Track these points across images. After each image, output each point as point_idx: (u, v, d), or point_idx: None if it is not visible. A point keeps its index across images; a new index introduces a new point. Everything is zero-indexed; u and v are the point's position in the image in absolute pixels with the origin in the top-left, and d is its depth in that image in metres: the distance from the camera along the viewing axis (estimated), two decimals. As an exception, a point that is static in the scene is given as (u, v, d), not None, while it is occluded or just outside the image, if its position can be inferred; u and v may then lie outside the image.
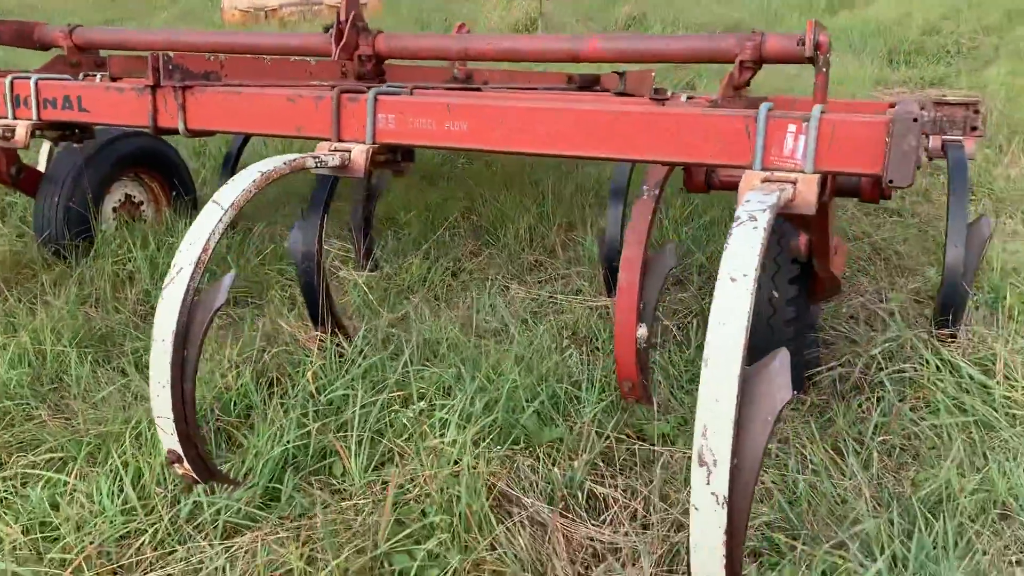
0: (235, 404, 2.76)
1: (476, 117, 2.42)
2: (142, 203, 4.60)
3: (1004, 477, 2.47)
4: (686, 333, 3.44)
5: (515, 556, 2.12)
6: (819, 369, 3.23)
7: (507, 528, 2.19)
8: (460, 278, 4.16)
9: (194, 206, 4.61)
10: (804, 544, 2.18)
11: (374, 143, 2.54)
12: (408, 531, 2.14)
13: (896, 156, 1.98)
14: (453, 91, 3.40)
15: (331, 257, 4.21)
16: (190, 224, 2.15)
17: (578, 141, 2.32)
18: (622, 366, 2.70)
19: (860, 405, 3.06)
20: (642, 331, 2.65)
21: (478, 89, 3.80)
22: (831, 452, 2.64)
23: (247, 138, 4.73)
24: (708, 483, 1.53)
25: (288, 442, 2.44)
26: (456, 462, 2.33)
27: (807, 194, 2.04)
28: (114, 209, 4.48)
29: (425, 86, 3.13)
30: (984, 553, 2.21)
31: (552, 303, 3.80)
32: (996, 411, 2.91)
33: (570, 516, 2.31)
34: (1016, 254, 4.21)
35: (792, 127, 2.10)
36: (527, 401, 2.70)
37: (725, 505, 1.52)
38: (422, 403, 2.71)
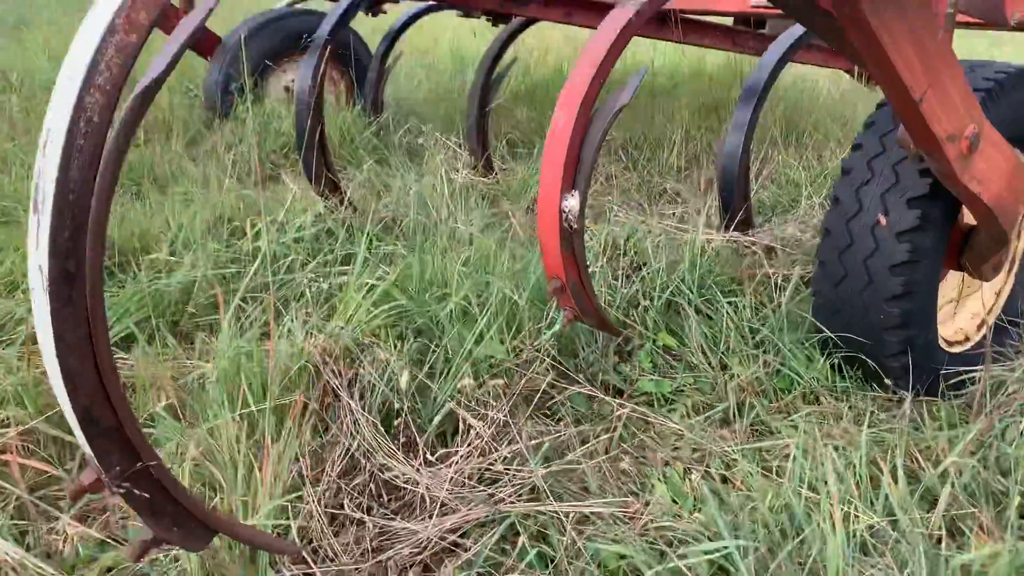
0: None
1: None
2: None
3: None
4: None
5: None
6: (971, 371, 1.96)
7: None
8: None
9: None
10: None
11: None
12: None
13: None
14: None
15: (446, 155, 3.67)
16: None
17: None
18: (547, 257, 1.80)
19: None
20: (571, 201, 1.72)
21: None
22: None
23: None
24: None
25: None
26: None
27: None
28: (286, 88, 4.42)
29: None
30: None
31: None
32: None
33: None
34: None
35: None
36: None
37: None
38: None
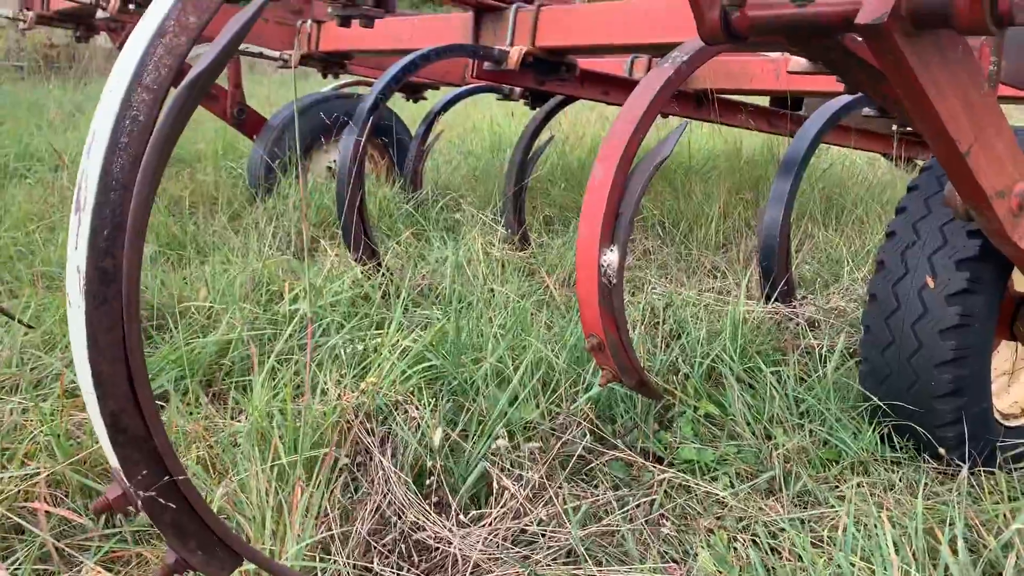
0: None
1: None
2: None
3: None
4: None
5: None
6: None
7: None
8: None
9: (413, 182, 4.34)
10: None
11: None
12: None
13: None
14: None
15: (480, 226, 3.70)
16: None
17: None
18: (584, 312, 1.77)
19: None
20: (610, 256, 1.70)
21: None
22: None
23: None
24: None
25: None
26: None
27: None
28: (328, 168, 4.52)
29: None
30: None
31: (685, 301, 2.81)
32: None
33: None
34: None
35: None
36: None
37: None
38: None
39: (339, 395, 1.86)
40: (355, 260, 2.71)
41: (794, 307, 2.68)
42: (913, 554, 1.51)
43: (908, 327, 1.90)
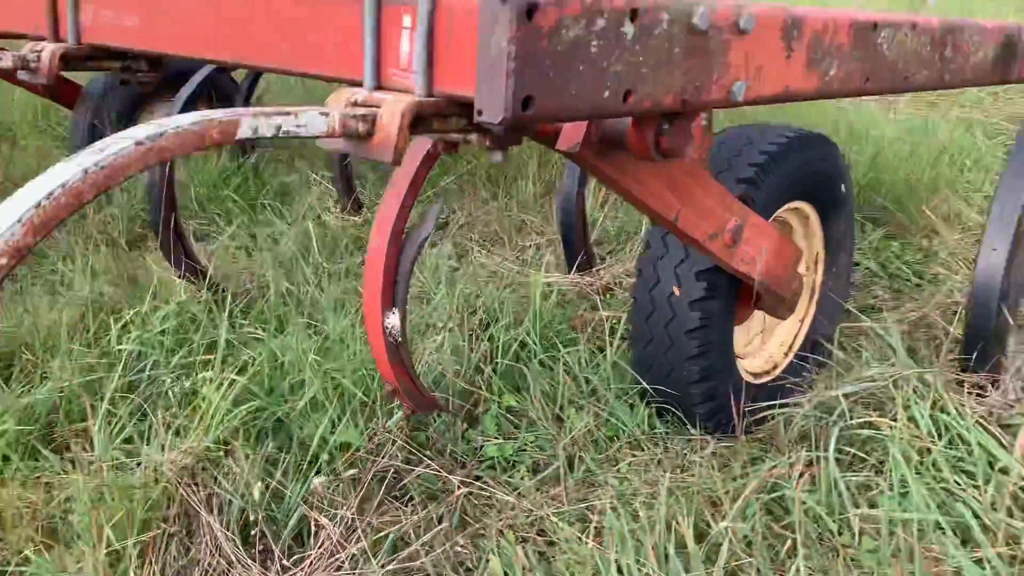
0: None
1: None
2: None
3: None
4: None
5: None
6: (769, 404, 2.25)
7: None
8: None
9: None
10: None
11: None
12: None
13: (483, 67, 1.10)
14: None
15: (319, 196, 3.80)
16: None
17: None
18: (378, 366, 2.00)
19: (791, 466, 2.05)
20: (392, 320, 1.91)
21: None
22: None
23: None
24: None
25: None
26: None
27: (387, 130, 1.23)
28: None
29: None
30: None
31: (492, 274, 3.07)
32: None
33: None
34: None
35: (407, 19, 1.27)
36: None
37: None
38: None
39: (164, 451, 2.05)
40: (179, 278, 2.82)
41: (593, 276, 2.97)
42: (653, 546, 1.88)
43: (662, 327, 2.21)
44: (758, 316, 2.56)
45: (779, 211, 2.35)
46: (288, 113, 1.17)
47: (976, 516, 1.91)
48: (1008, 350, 2.16)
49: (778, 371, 2.54)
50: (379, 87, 1.32)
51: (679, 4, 1.26)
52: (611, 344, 2.55)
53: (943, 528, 1.91)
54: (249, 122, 1.14)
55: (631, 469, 2.21)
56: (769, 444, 2.31)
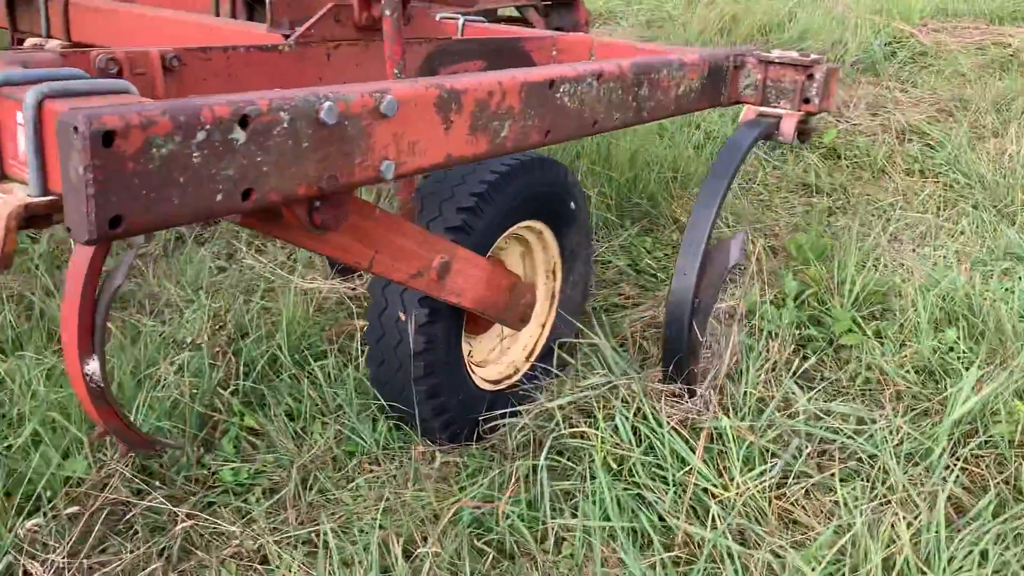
0: None
1: None
2: None
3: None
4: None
5: None
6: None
7: None
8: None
9: None
10: None
11: None
12: None
13: (67, 188, 1.10)
14: None
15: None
16: None
17: None
18: (86, 410, 1.98)
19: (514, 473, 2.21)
20: (92, 366, 1.90)
21: None
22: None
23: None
24: None
25: None
26: None
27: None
28: None
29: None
30: None
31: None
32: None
33: None
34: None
35: (20, 115, 1.24)
36: None
37: None
38: None
39: None
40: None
41: (354, 281, 3.02)
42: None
43: (392, 350, 2.30)
44: (497, 328, 2.69)
45: (512, 230, 2.47)
46: None
47: (661, 519, 2.14)
48: (699, 363, 2.39)
49: (518, 376, 2.69)
50: (4, 176, 1.30)
51: (302, 102, 1.30)
52: (355, 359, 2.62)
53: (636, 532, 2.13)
54: None
55: (368, 484, 2.31)
56: (499, 452, 2.47)
